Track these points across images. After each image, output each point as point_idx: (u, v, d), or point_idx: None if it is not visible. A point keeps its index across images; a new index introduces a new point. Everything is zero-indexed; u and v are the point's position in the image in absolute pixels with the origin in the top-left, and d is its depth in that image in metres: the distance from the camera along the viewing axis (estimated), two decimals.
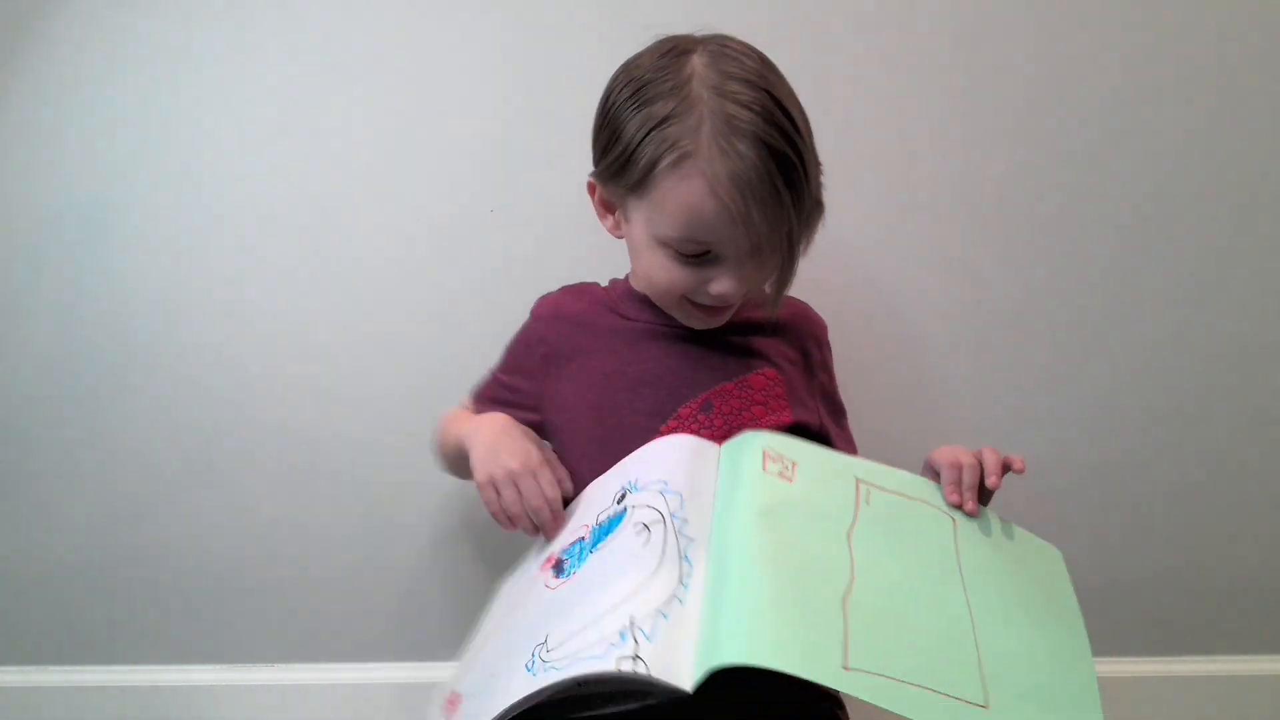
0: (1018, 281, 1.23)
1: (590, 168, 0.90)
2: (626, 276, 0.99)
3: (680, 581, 0.70)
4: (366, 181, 1.21)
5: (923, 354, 1.25)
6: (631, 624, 0.67)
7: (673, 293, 0.87)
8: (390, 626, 1.29)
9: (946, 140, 1.20)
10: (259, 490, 1.26)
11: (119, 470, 1.25)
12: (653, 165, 0.80)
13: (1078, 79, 1.19)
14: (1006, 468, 0.83)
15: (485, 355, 1.02)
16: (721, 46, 0.83)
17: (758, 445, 0.80)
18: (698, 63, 0.81)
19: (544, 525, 0.84)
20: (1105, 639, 0.90)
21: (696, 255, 0.83)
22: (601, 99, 0.87)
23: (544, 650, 0.69)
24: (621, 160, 0.82)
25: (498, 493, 0.84)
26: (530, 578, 0.84)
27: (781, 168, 0.78)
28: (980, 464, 0.82)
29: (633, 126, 0.81)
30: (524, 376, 0.97)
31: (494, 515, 0.86)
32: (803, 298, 1.01)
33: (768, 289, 0.89)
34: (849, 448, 1.00)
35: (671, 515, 0.75)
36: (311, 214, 1.21)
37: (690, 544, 0.73)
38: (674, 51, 0.83)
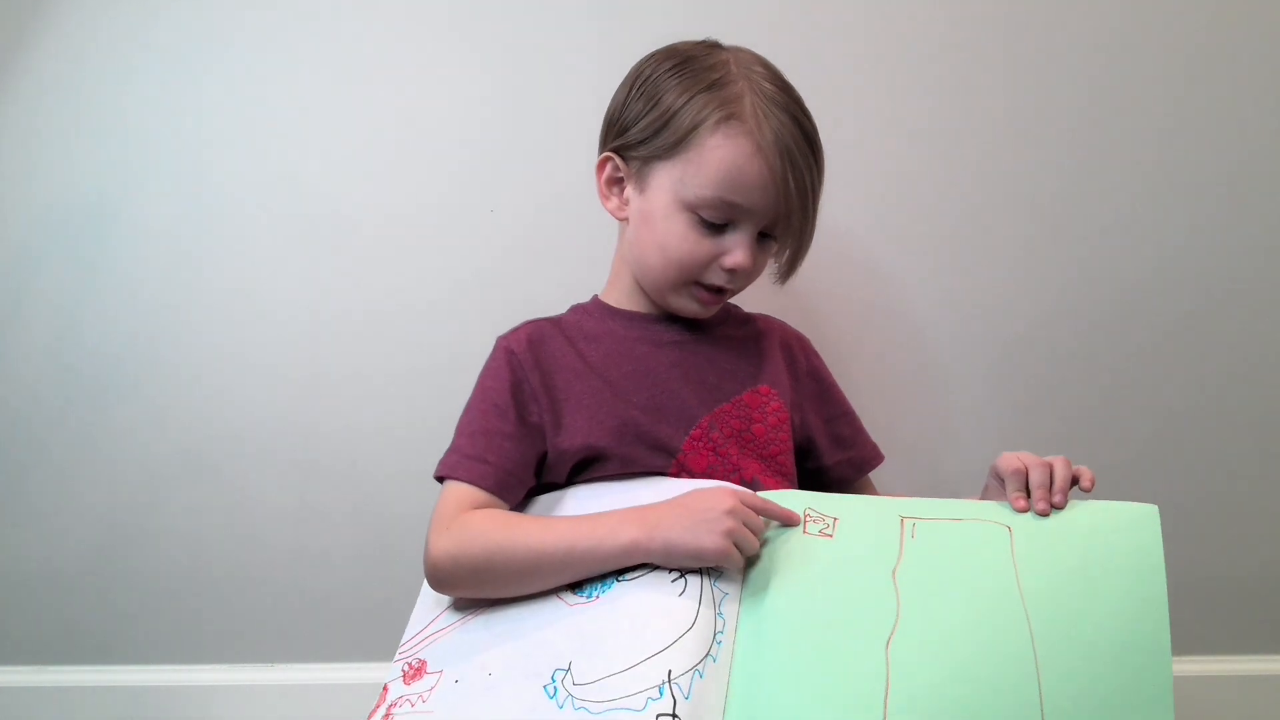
0: (1023, 285, 1.23)
1: (590, 163, 0.92)
2: (593, 297, 0.97)
3: (714, 639, 0.71)
4: (368, 181, 1.21)
5: (928, 358, 1.25)
6: (669, 678, 0.68)
7: (687, 266, 0.86)
8: (390, 626, 1.28)
9: (953, 142, 1.20)
10: (259, 491, 1.26)
11: (118, 470, 1.25)
12: (696, 125, 0.83)
13: (1086, 78, 1.19)
14: (1074, 481, 0.79)
15: (485, 356, 1.01)
16: (740, 51, 0.89)
17: (798, 507, 0.80)
18: (729, 54, 0.88)
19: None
20: None
21: (718, 225, 0.85)
22: (629, 79, 0.90)
23: (568, 680, 0.70)
24: (660, 123, 0.85)
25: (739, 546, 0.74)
26: None
27: (811, 145, 0.85)
28: (1050, 466, 0.78)
29: (674, 92, 0.85)
30: (519, 410, 0.87)
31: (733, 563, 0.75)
32: (811, 305, 1.01)
33: (774, 275, 0.92)
34: (869, 450, 1.00)
35: (707, 568, 0.75)
36: (312, 214, 1.21)
37: (725, 598, 0.74)
38: (706, 44, 0.90)
